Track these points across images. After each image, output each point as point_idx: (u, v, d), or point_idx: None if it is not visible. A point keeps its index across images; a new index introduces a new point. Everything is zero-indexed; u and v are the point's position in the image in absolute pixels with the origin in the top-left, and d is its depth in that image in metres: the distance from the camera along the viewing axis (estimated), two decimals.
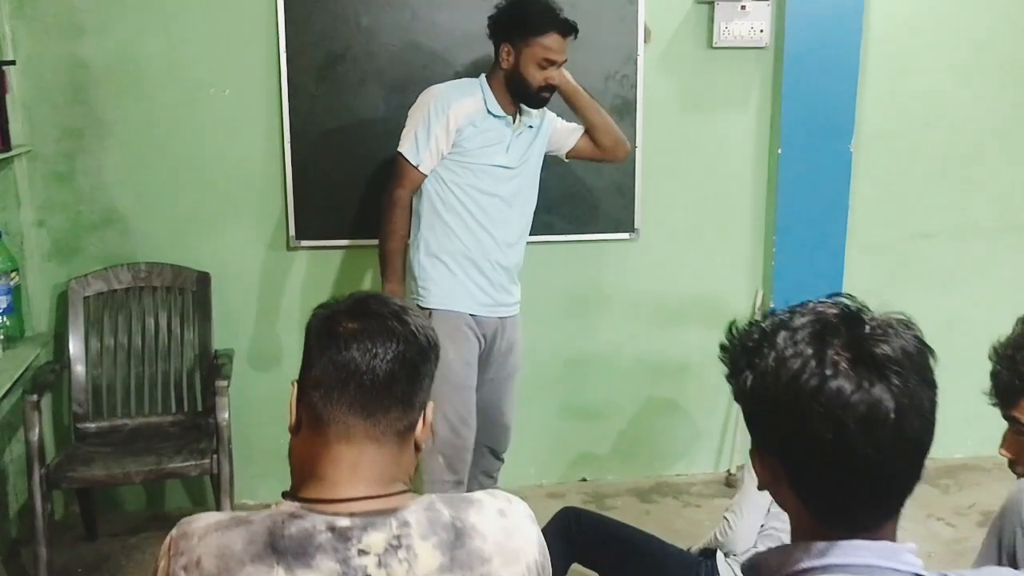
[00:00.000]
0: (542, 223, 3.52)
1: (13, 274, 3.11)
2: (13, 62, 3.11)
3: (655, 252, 3.69)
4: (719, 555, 2.43)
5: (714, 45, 3.55)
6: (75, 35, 3.24)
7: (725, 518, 2.45)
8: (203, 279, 3.37)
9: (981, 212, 3.88)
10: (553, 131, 3.06)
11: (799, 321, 1.00)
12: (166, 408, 3.30)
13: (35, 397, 2.87)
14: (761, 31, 3.55)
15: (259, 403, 3.42)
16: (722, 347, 1.08)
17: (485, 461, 3.13)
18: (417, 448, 1.29)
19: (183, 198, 3.38)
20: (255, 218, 3.43)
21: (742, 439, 3.80)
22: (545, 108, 3.02)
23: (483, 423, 3.01)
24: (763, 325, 1.03)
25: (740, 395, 1.03)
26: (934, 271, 3.87)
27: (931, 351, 0.99)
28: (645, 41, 3.52)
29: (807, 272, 3.71)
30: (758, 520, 2.38)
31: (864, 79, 3.65)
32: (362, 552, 1.14)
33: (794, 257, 3.69)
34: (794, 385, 0.96)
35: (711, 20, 3.53)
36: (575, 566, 2.58)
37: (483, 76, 2.90)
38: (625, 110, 3.53)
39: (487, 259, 2.89)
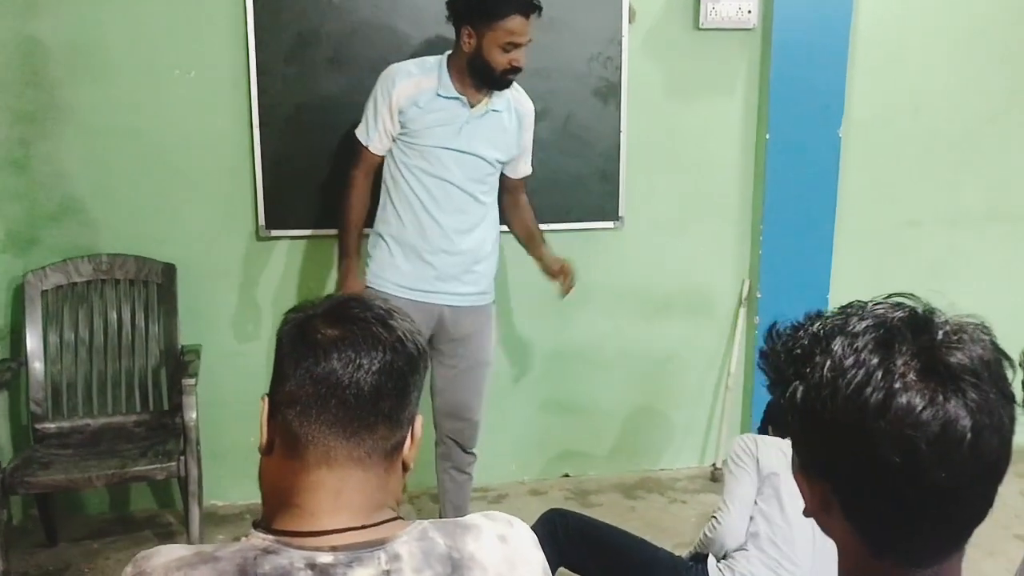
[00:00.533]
0: None
1: None
2: None
3: (640, 241, 3.58)
4: (710, 559, 2.33)
5: (700, 26, 3.43)
6: (28, 12, 3.06)
7: (713, 516, 2.36)
8: (168, 271, 3.21)
9: (971, 200, 3.81)
10: (520, 148, 2.95)
11: (859, 325, 0.87)
12: (130, 407, 3.15)
13: None
14: (749, 12, 3.45)
15: (228, 401, 3.26)
16: (763, 354, 0.95)
17: (455, 455, 3.02)
18: (405, 468, 1.14)
19: (147, 186, 3.21)
20: (223, 206, 3.28)
21: (727, 432, 3.71)
22: (526, 111, 2.93)
23: (448, 419, 2.96)
24: (813, 329, 0.90)
25: (787, 410, 0.90)
26: (923, 259, 3.79)
27: (1009, 360, 0.87)
28: (630, 21, 3.40)
29: (795, 261, 3.62)
30: (746, 514, 2.29)
31: (853, 63, 3.56)
32: None
33: (781, 246, 3.60)
34: (856, 400, 0.83)
35: (697, 0, 3.41)
36: (562, 570, 2.48)
37: (445, 55, 2.81)
38: (609, 93, 3.42)
39: (430, 245, 2.80)
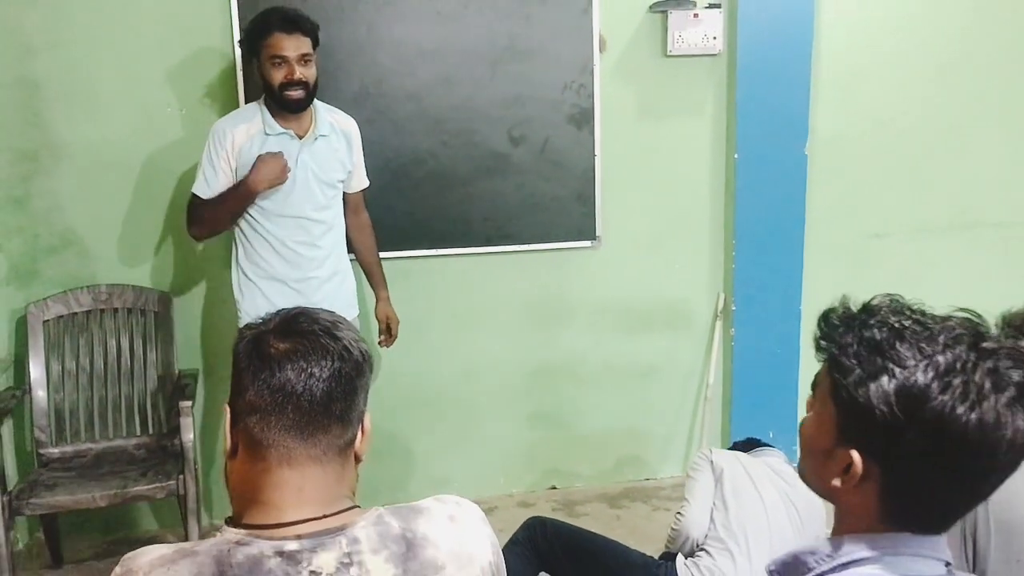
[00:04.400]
0: (503, 233, 3.57)
1: None
2: None
3: (617, 259, 3.72)
4: (679, 557, 2.47)
5: (668, 53, 3.58)
6: (26, 55, 3.20)
7: (678, 512, 2.53)
8: (164, 299, 3.35)
9: (933, 212, 3.95)
10: (353, 164, 3.11)
11: (950, 333, 0.99)
12: (130, 431, 3.27)
13: None
14: (714, 39, 3.59)
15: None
16: (825, 336, 1.06)
17: None
18: (358, 460, 1.27)
19: (142, 218, 3.35)
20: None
21: (708, 442, 3.84)
22: (351, 130, 3.09)
23: None
24: (891, 323, 1.01)
25: (871, 403, 1.00)
26: (890, 270, 3.93)
27: None
28: (600, 50, 3.55)
29: (767, 274, 3.76)
30: (708, 503, 2.46)
31: (816, 84, 3.71)
32: (313, 574, 1.12)
33: (754, 259, 3.74)
34: (957, 413, 0.95)
35: (665, 29, 3.57)
36: (542, 574, 2.60)
37: (262, 98, 2.94)
38: (583, 119, 3.56)
39: (297, 273, 2.96)
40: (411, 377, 3.64)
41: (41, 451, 3.17)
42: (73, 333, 3.27)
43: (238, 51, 3.26)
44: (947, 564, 1.06)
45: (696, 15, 3.56)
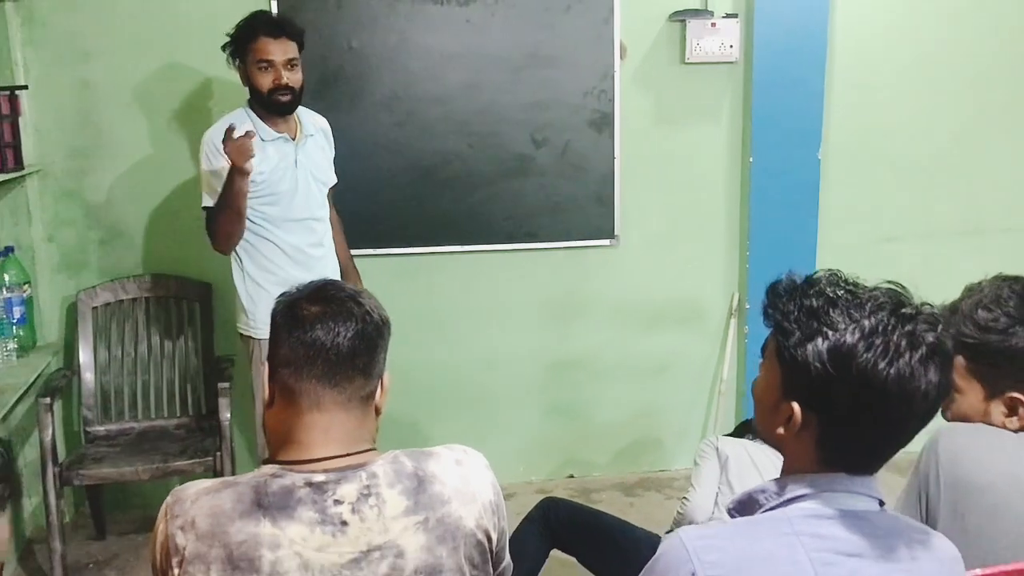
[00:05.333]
0: (525, 232, 3.74)
1: (25, 287, 3.28)
2: (26, 87, 3.30)
3: (634, 257, 3.87)
4: None
5: (686, 61, 3.74)
6: (81, 59, 3.43)
7: (683, 497, 2.66)
8: (205, 289, 3.55)
9: (944, 216, 4.06)
10: (330, 161, 3.18)
11: (874, 307, 1.17)
12: (171, 411, 3.48)
13: (48, 400, 3.03)
14: (731, 47, 3.74)
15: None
16: (772, 304, 1.24)
17: None
18: (378, 412, 1.46)
19: (185, 213, 3.52)
20: None
21: (721, 434, 3.97)
22: (326, 127, 3.17)
23: None
24: (828, 294, 1.19)
25: (808, 361, 1.16)
26: (900, 273, 3.94)
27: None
28: (621, 58, 3.71)
29: (780, 274, 3.87)
30: (713, 489, 2.57)
31: (830, 91, 3.84)
32: (337, 502, 1.31)
33: (767, 260, 3.87)
34: (878, 369, 1.13)
35: (683, 37, 3.73)
36: (555, 552, 2.74)
37: (246, 103, 2.98)
38: (603, 123, 3.73)
39: (310, 273, 2.85)
40: (435, 368, 3.82)
41: (88, 428, 3.39)
42: (119, 319, 3.49)
43: None
44: (881, 503, 1.22)
45: (714, 24, 3.71)
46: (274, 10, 3.41)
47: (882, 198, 4.01)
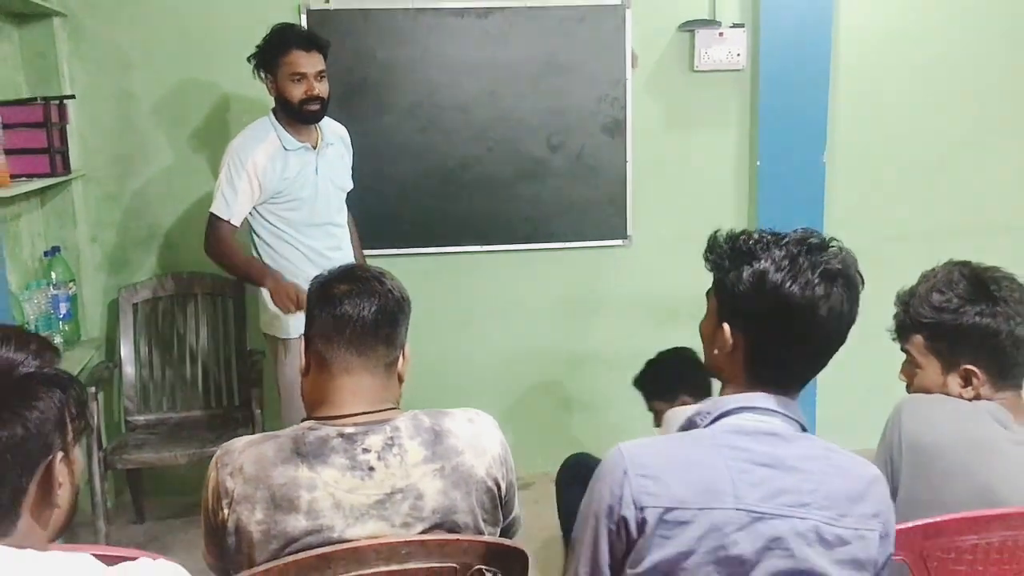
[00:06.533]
0: (542, 232, 3.92)
1: (70, 284, 3.50)
2: (73, 96, 3.51)
3: (646, 257, 4.04)
4: None
5: (695, 69, 3.91)
6: (123, 70, 3.65)
7: None
8: (238, 286, 3.73)
9: (946, 216, 4.19)
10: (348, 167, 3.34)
11: (786, 241, 1.41)
12: (206, 402, 3.68)
13: (93, 389, 3.25)
14: (738, 55, 3.91)
15: None
16: (710, 248, 1.48)
17: None
18: (400, 380, 1.67)
19: None
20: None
21: None
22: (346, 134, 3.33)
23: None
24: (755, 237, 1.43)
25: (735, 285, 1.41)
26: (905, 270, 4.11)
27: (861, 276, 1.44)
28: (633, 66, 3.89)
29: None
30: None
31: (834, 96, 3.99)
32: (365, 451, 1.51)
33: None
34: (787, 285, 1.36)
35: (692, 46, 3.90)
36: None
37: (271, 113, 3.12)
38: (616, 129, 3.90)
39: None
40: (457, 361, 4.00)
41: (128, 418, 3.59)
42: (158, 315, 3.69)
43: None
44: (802, 427, 1.41)
45: (721, 34, 3.87)
46: (304, 24, 3.61)
47: (886, 199, 4.15)
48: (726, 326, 1.44)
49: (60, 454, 1.09)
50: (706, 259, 1.49)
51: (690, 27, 3.87)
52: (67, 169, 3.42)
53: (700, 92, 3.98)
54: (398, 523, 1.50)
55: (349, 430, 1.53)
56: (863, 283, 1.45)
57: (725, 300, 1.45)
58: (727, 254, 1.44)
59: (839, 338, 1.41)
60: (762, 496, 1.33)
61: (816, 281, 1.36)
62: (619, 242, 4.01)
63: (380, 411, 1.58)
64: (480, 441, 1.60)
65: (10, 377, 1.03)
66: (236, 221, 3.07)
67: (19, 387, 1.03)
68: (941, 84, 4.10)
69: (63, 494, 1.11)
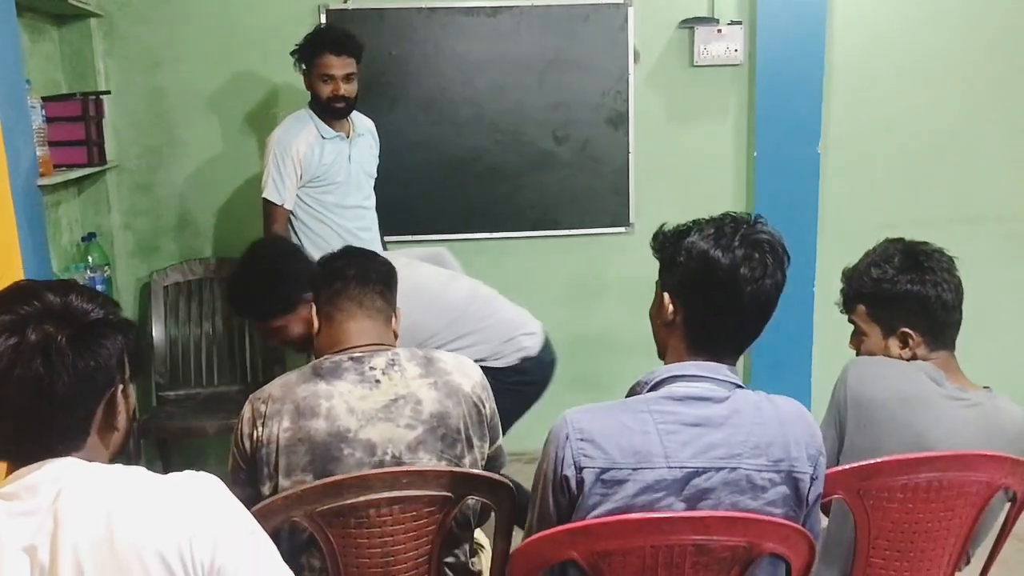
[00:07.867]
0: (547, 220, 4.13)
1: (105, 268, 3.72)
2: (108, 92, 3.75)
3: (648, 243, 4.21)
4: None
5: (695, 64, 4.09)
6: (154, 67, 3.89)
7: None
8: None
9: (937, 206, 4.36)
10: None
11: (719, 219, 1.59)
12: (232, 378, 3.91)
13: None
14: (736, 51, 4.09)
15: None
16: (655, 237, 1.67)
17: None
18: (395, 335, 1.99)
19: (246, 203, 3.95)
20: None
21: None
22: (373, 127, 3.58)
23: None
24: (689, 224, 1.61)
25: (675, 261, 1.59)
26: None
27: (786, 249, 1.58)
28: (635, 62, 4.08)
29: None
30: None
31: (829, 90, 4.18)
32: (372, 368, 1.83)
33: None
34: (716, 257, 1.53)
35: (692, 42, 4.08)
36: None
37: (307, 106, 3.37)
38: (619, 121, 4.10)
39: None
40: None
41: (159, 393, 3.83)
42: (188, 297, 3.93)
43: None
44: (738, 386, 1.56)
45: (720, 30, 4.06)
46: (323, 22, 3.83)
47: (878, 188, 4.33)
48: (666, 295, 1.60)
49: (120, 386, 1.32)
50: (652, 247, 1.67)
51: (690, 24, 4.05)
52: (103, 160, 3.64)
53: (699, 86, 4.16)
54: (402, 424, 1.80)
55: (358, 354, 1.85)
56: (789, 258, 1.59)
57: (666, 273, 1.62)
58: (671, 237, 1.62)
59: (768, 305, 1.55)
60: (693, 453, 1.49)
61: (738, 246, 1.52)
62: (622, 229, 4.21)
63: (381, 344, 1.91)
64: (464, 367, 1.93)
65: (84, 321, 1.26)
66: (288, 205, 3.33)
67: (91, 329, 1.26)
68: (931, 78, 4.27)
69: (121, 420, 1.34)
